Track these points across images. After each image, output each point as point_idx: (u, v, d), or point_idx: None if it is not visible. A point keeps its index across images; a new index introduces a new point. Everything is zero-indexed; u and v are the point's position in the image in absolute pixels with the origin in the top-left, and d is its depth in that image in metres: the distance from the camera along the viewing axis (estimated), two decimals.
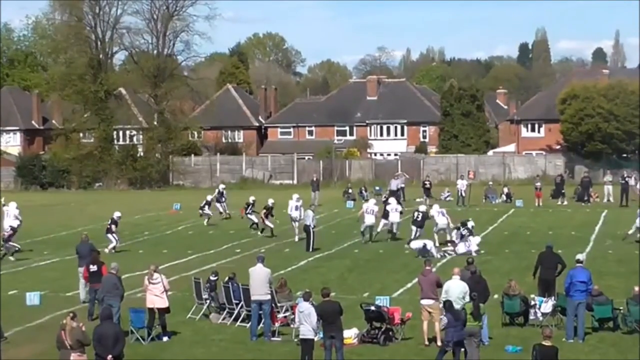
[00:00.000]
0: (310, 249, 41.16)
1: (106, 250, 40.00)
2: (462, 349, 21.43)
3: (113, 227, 42.23)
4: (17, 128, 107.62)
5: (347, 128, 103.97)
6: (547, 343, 18.59)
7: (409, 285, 31.64)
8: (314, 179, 65.61)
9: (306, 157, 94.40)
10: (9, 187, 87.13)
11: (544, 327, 21.44)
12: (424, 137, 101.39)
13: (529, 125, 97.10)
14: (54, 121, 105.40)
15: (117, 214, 43.21)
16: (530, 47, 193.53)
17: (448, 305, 21.97)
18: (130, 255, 40.78)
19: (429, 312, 23.96)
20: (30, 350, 23.88)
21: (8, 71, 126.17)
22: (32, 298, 30.18)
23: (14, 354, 22.95)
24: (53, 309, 28.51)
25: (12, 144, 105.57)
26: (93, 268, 27.64)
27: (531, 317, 25.97)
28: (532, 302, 26.06)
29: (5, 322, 21.21)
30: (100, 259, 28.33)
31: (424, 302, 24.11)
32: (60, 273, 36.61)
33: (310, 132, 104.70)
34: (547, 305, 25.77)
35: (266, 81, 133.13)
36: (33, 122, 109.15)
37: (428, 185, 64.60)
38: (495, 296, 26.54)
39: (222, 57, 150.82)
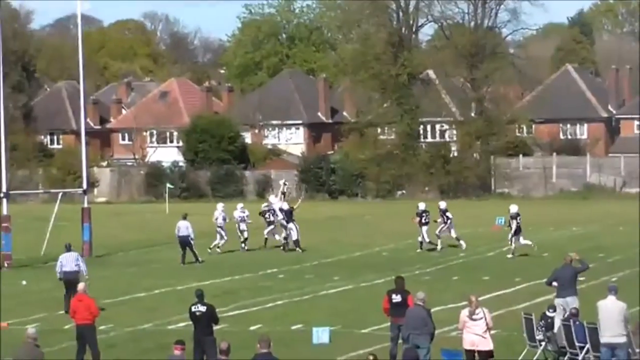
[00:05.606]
0: None
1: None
2: None
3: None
4: (299, 122, 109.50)
5: None
6: None
7: None
8: None
9: None
10: (291, 194, 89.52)
11: None
12: None
13: None
14: (345, 113, 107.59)
15: (443, 204, 52.77)
16: None
17: None
18: (441, 282, 41.04)
19: None
20: None
21: (288, 51, 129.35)
22: (320, 335, 30.80)
23: None
24: (345, 349, 29.02)
25: (294, 141, 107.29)
26: (396, 298, 27.73)
27: None
28: None
29: None
30: (406, 287, 28.21)
31: None
32: (354, 303, 37.29)
33: None
34: None
35: (617, 60, 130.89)
36: (319, 114, 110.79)
37: None
38: None
39: (559, 28, 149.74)
